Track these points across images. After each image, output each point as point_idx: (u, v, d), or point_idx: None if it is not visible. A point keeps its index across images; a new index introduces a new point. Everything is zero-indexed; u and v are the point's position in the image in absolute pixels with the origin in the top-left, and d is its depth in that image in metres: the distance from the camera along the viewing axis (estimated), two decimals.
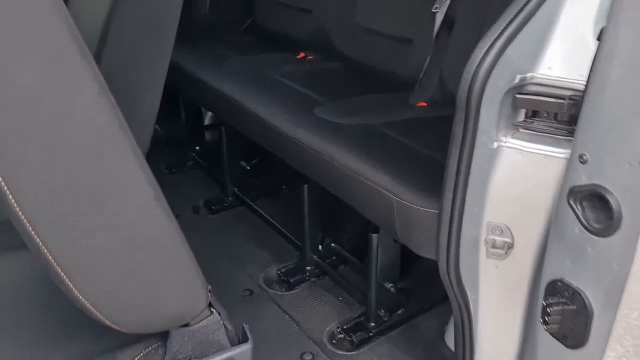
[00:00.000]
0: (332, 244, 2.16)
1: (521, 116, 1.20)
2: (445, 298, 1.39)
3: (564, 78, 1.11)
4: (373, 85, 2.30)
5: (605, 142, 0.99)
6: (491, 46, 1.08)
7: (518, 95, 1.14)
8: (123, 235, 0.89)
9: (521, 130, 1.19)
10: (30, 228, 0.79)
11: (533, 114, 1.19)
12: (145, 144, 1.59)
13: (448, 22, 2.09)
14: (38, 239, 0.80)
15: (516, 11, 1.08)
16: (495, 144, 1.18)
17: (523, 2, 1.07)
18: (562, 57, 1.10)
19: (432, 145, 1.72)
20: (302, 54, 2.61)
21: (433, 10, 2.09)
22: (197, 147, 2.89)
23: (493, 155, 1.18)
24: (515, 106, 1.17)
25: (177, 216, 0.94)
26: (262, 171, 2.64)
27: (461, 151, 1.16)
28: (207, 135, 2.96)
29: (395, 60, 2.31)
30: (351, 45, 2.50)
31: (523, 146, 1.17)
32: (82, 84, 0.81)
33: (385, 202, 1.52)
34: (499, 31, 1.09)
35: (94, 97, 0.82)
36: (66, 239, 0.83)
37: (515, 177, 1.20)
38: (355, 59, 2.48)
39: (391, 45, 2.32)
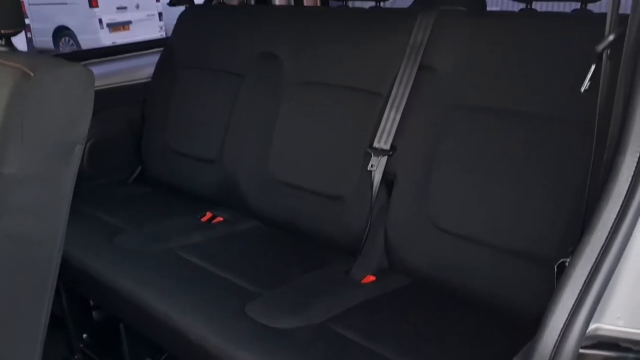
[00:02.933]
0: None
1: None
2: None
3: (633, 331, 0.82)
4: (303, 253, 1.94)
5: None
6: (574, 315, 0.76)
7: (582, 351, 0.83)
8: None
9: None
10: None
11: None
12: None
13: (387, 180, 1.82)
14: None
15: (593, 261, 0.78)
16: None
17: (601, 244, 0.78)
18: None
19: (408, 351, 1.38)
20: (208, 214, 2.21)
21: (369, 169, 1.81)
22: (85, 335, 2.32)
23: None
24: None
25: None
26: None
27: None
28: (96, 314, 2.41)
29: (324, 220, 1.98)
30: (267, 201, 2.15)
31: None
32: None
33: None
34: (578, 290, 0.77)
35: None
36: None
37: None
38: (274, 218, 2.13)
39: (317, 202, 2.00)
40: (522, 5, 1.71)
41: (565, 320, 0.75)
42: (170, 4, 2.70)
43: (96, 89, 2.52)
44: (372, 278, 1.76)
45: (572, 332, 0.75)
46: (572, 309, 0.76)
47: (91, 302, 2.35)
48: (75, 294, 2.24)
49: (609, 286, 0.79)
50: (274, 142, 2.13)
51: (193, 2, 2.75)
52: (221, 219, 2.18)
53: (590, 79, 0.98)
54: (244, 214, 2.19)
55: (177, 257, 1.88)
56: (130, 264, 1.83)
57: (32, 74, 0.91)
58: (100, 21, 11.04)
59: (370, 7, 2.06)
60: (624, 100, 0.77)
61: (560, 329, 0.75)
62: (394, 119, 1.82)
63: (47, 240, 1.02)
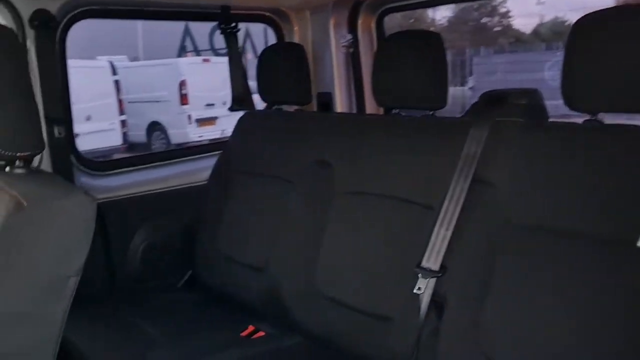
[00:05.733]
0: None
1: None
2: None
3: None
4: None
5: None
6: None
7: None
8: None
9: None
10: None
11: None
12: None
13: (436, 302, 1.65)
14: None
15: None
16: None
17: None
18: None
19: None
20: (250, 328, 2.09)
21: (415, 292, 1.65)
22: None
23: None
24: None
25: None
26: None
27: None
28: None
29: (370, 341, 1.82)
30: (312, 316, 2.01)
31: None
32: None
33: None
34: None
35: None
36: None
37: None
38: (318, 335, 1.98)
39: (362, 321, 1.84)
40: (586, 116, 1.55)
41: None
42: (231, 109, 2.75)
43: (154, 192, 2.58)
44: None
45: None
46: None
47: None
48: None
49: None
50: (322, 254, 2.01)
51: (254, 107, 2.78)
52: (262, 333, 2.06)
53: None
54: (287, 328, 2.06)
55: None
56: None
57: (25, 204, 0.86)
58: (189, 117, 11.71)
59: (423, 115, 1.97)
60: None
61: None
62: (444, 236, 1.67)
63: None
